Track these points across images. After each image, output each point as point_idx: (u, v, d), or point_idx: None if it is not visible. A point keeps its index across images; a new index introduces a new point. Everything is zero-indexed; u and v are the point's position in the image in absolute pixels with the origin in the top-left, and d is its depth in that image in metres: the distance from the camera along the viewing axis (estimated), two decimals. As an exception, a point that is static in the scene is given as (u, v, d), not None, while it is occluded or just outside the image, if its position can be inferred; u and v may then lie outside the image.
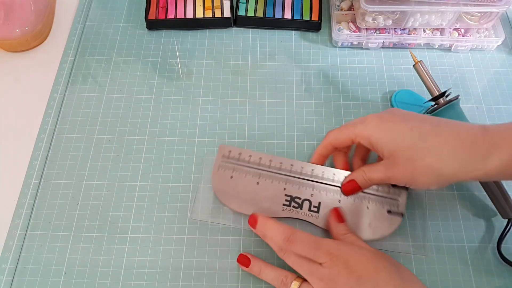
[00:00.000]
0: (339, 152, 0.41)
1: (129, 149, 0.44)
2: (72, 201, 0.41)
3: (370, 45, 0.51)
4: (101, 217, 0.40)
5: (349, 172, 0.40)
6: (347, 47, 0.52)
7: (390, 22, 0.49)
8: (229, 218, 0.40)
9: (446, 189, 0.42)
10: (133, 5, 0.54)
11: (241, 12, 0.52)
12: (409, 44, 0.51)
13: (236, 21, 0.52)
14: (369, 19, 0.49)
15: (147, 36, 0.52)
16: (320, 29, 0.53)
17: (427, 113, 0.43)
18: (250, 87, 0.48)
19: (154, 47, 0.51)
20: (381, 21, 0.49)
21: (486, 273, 0.39)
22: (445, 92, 0.42)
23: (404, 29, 0.50)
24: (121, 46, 0.51)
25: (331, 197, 0.40)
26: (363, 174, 0.38)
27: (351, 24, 0.51)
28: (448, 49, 0.52)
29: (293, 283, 0.34)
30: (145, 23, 0.52)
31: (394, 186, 0.40)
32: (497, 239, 0.39)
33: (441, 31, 0.51)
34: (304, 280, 0.34)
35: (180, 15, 0.52)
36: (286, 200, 0.40)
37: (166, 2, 0.53)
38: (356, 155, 0.41)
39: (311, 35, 0.53)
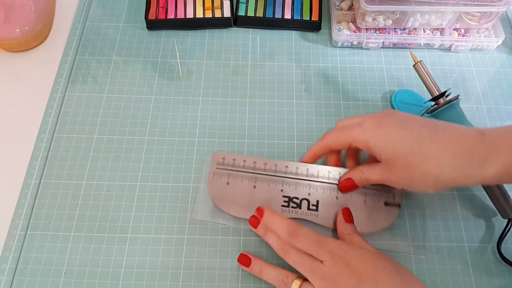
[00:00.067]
0: (333, 151, 0.41)
1: (129, 149, 0.44)
2: (72, 201, 0.41)
3: (370, 45, 0.51)
4: (101, 217, 0.40)
5: (343, 169, 0.41)
6: (347, 47, 0.52)
7: (390, 22, 0.49)
8: (229, 218, 0.40)
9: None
10: (133, 5, 0.54)
11: (241, 12, 0.52)
12: (409, 44, 0.51)
13: (236, 21, 0.52)
14: (369, 19, 0.49)
15: (147, 36, 0.52)
16: (320, 29, 0.53)
17: (427, 113, 0.43)
18: (250, 87, 0.48)
19: (154, 47, 0.51)
20: (381, 21, 0.49)
21: (486, 273, 0.39)
22: (445, 92, 0.42)
23: (404, 29, 0.50)
24: (121, 46, 0.51)
25: (328, 195, 0.40)
26: (360, 174, 0.38)
27: (351, 24, 0.51)
28: (448, 49, 0.52)
29: (293, 283, 0.34)
30: (145, 23, 0.52)
31: None
32: (497, 239, 0.39)
33: (441, 31, 0.51)
34: (305, 280, 0.34)
35: (180, 15, 0.52)
36: (285, 201, 0.40)
37: (166, 2, 0.53)
38: (349, 155, 0.42)
39: (311, 35, 0.53)
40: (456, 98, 0.41)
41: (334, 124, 0.46)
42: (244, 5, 0.53)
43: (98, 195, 0.41)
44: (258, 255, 0.38)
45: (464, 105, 0.45)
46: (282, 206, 0.40)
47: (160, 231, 0.40)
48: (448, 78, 0.50)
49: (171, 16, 0.52)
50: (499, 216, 0.40)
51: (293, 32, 0.53)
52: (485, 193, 0.41)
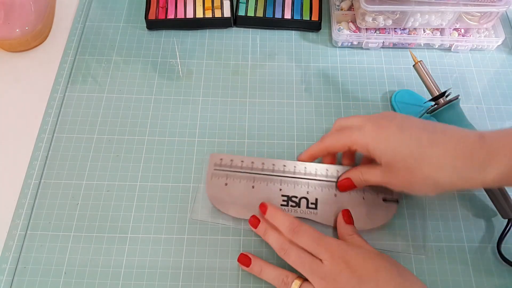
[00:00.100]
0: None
1: (129, 149, 0.44)
2: (72, 201, 0.41)
3: (370, 45, 0.51)
4: (101, 217, 0.40)
5: (341, 166, 0.41)
6: (347, 47, 0.52)
7: (390, 22, 0.49)
8: (229, 218, 0.40)
9: (446, 189, 0.43)
10: (133, 5, 0.54)
11: (241, 12, 0.52)
12: (409, 44, 0.51)
13: (236, 21, 0.52)
14: (369, 19, 0.49)
15: (147, 36, 0.52)
16: (320, 29, 0.53)
17: (427, 113, 0.43)
18: (250, 87, 0.48)
19: (154, 47, 0.51)
20: (381, 21, 0.49)
21: (486, 273, 0.39)
22: (445, 92, 0.42)
23: (404, 29, 0.50)
24: (121, 46, 0.51)
25: (327, 192, 0.40)
26: (359, 174, 0.38)
27: (351, 24, 0.51)
28: (448, 49, 0.52)
29: (294, 283, 0.34)
30: (145, 23, 0.52)
31: None
32: (497, 239, 0.39)
33: (441, 31, 0.51)
34: (305, 280, 0.34)
35: (180, 15, 0.52)
36: (284, 200, 0.40)
37: (166, 2, 0.53)
38: (345, 154, 0.42)
39: (311, 35, 0.53)
40: (456, 98, 0.41)
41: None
42: (244, 5, 0.53)
43: (98, 195, 0.41)
44: (258, 255, 0.38)
45: (464, 105, 0.45)
46: (281, 205, 0.40)
47: (160, 231, 0.40)
48: (448, 78, 0.50)
49: (171, 16, 0.52)
50: (499, 216, 0.40)
51: (293, 32, 0.53)
52: (485, 193, 0.41)
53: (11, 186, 0.42)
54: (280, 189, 0.40)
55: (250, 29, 0.53)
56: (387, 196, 0.40)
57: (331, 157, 0.41)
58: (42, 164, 0.43)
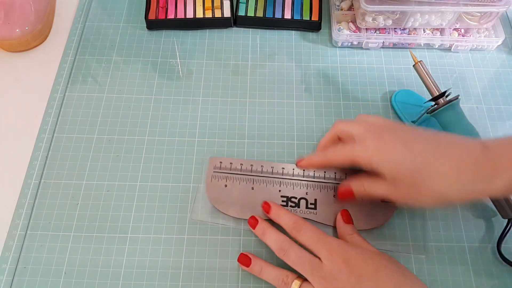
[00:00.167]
0: None
1: (129, 149, 0.44)
2: (72, 201, 0.41)
3: (370, 45, 0.51)
4: (101, 217, 0.40)
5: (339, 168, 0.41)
6: (347, 47, 0.52)
7: (390, 22, 0.49)
8: (229, 219, 0.40)
9: (446, 189, 0.42)
10: (133, 5, 0.54)
11: (241, 12, 0.52)
12: (409, 44, 0.51)
13: (236, 21, 0.52)
14: (369, 19, 0.49)
15: (147, 36, 0.52)
16: (320, 29, 0.53)
17: (428, 113, 0.43)
18: (250, 87, 0.48)
19: (154, 47, 0.51)
20: (381, 21, 0.49)
21: (486, 273, 0.39)
22: (445, 92, 0.42)
23: (404, 29, 0.50)
24: (121, 46, 0.51)
25: (325, 193, 0.41)
26: (361, 187, 0.37)
27: (351, 24, 0.51)
28: (448, 49, 0.52)
29: (294, 283, 0.34)
30: (145, 23, 0.52)
31: None
32: (497, 239, 0.39)
33: (441, 31, 0.51)
34: (305, 280, 0.34)
35: (180, 15, 0.52)
36: (283, 201, 0.40)
37: (166, 2, 0.53)
38: None
39: (311, 35, 0.53)
40: (456, 98, 0.41)
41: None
42: (244, 5, 0.53)
43: (98, 195, 0.41)
44: (258, 255, 0.38)
45: (464, 105, 0.45)
46: (280, 205, 0.40)
47: (160, 231, 0.40)
48: (448, 78, 0.50)
49: (171, 16, 0.52)
50: (499, 216, 0.40)
51: (293, 32, 0.53)
52: (485, 193, 0.41)
53: (11, 186, 0.42)
54: (280, 190, 0.41)
55: (250, 29, 0.53)
56: None
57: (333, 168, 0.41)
58: (42, 164, 0.43)
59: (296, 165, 0.42)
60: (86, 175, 0.42)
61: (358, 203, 0.40)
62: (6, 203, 0.41)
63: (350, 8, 0.52)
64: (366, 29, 0.50)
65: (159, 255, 0.39)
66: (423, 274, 0.38)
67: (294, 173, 0.42)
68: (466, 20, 0.50)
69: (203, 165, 0.43)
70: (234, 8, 0.53)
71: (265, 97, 0.48)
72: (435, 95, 0.42)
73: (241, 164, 0.42)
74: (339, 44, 0.51)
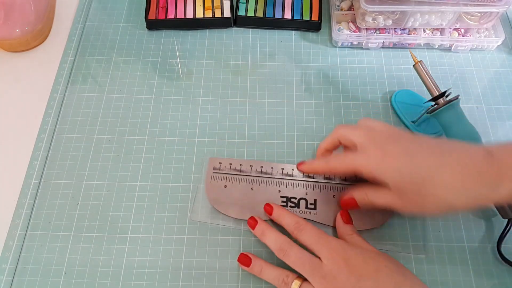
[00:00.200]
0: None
1: (129, 149, 0.44)
2: (72, 201, 0.41)
3: (370, 45, 0.51)
4: (101, 217, 0.40)
5: None
6: (347, 47, 0.52)
7: (390, 22, 0.49)
8: (229, 219, 0.40)
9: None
10: (133, 5, 0.54)
11: (241, 12, 0.52)
12: (409, 44, 0.51)
13: (236, 21, 0.52)
14: (369, 19, 0.49)
15: (147, 36, 0.52)
16: (320, 29, 0.53)
17: (428, 113, 0.43)
18: (250, 87, 0.48)
19: (154, 47, 0.51)
20: (381, 21, 0.49)
21: (486, 273, 0.39)
22: (445, 92, 0.42)
23: (404, 29, 0.50)
24: (121, 46, 0.51)
25: (325, 193, 0.41)
26: (365, 196, 0.37)
27: (351, 24, 0.51)
28: (448, 49, 0.52)
29: (294, 283, 0.34)
30: (145, 23, 0.52)
31: None
32: (497, 239, 0.39)
33: (441, 31, 0.51)
34: (305, 279, 0.34)
35: (180, 15, 0.52)
36: (283, 202, 0.40)
37: (166, 2, 0.53)
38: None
39: (311, 35, 0.53)
40: (456, 98, 0.41)
41: (334, 124, 0.46)
42: (244, 5, 0.53)
43: (98, 195, 0.41)
44: (258, 255, 0.38)
45: (464, 105, 0.45)
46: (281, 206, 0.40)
47: (160, 231, 0.40)
48: (448, 78, 0.50)
49: (171, 16, 0.52)
50: (499, 216, 0.40)
51: (293, 32, 0.53)
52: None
53: (11, 186, 0.42)
54: (279, 191, 0.41)
55: (250, 29, 0.53)
56: None
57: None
58: (42, 164, 0.43)
59: (297, 167, 0.42)
60: (86, 175, 0.42)
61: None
62: (6, 203, 0.41)
63: (350, 8, 0.52)
64: (366, 29, 0.50)
65: (159, 255, 0.39)
66: (423, 274, 0.38)
67: (294, 173, 0.42)
68: (466, 20, 0.50)
69: (203, 165, 0.43)
70: (234, 8, 0.53)
71: (265, 97, 0.48)
72: (435, 95, 0.42)
73: (240, 164, 0.42)
74: (339, 44, 0.51)
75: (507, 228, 0.39)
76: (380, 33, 0.50)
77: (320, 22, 0.52)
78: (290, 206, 0.40)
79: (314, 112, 0.47)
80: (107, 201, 0.41)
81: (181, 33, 0.52)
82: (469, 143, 0.34)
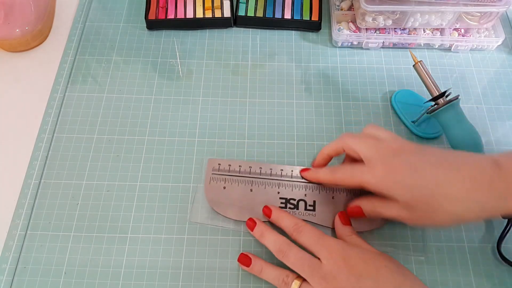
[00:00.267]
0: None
1: (129, 149, 0.44)
2: (72, 201, 0.41)
3: (370, 45, 0.51)
4: (101, 217, 0.40)
5: None
6: (347, 47, 0.52)
7: (390, 22, 0.49)
8: (228, 221, 0.40)
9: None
10: (133, 5, 0.54)
11: (241, 12, 0.52)
12: (409, 44, 0.51)
13: (236, 21, 0.52)
14: (369, 19, 0.49)
15: (147, 36, 0.52)
16: (320, 29, 0.53)
17: (428, 113, 0.43)
18: (250, 87, 0.48)
19: (154, 47, 0.51)
20: (381, 21, 0.49)
21: (486, 273, 0.39)
22: (445, 92, 0.42)
23: (404, 29, 0.50)
24: (121, 46, 0.51)
25: (324, 194, 0.41)
26: (372, 207, 0.37)
27: (351, 24, 0.51)
28: (448, 49, 0.52)
29: (294, 282, 0.34)
30: (145, 23, 0.52)
31: None
32: (497, 239, 0.39)
33: (441, 31, 0.51)
34: (305, 279, 0.34)
35: (180, 15, 0.52)
36: (282, 203, 0.40)
37: (166, 2, 0.53)
38: (347, 159, 0.41)
39: (311, 35, 0.53)
40: (456, 98, 0.41)
41: (334, 124, 0.46)
42: (244, 5, 0.53)
43: (98, 195, 0.41)
44: (258, 255, 0.38)
45: (464, 105, 0.45)
46: (279, 207, 0.40)
47: (160, 231, 0.40)
48: (448, 78, 0.50)
49: (171, 16, 0.52)
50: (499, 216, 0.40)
51: (293, 32, 0.53)
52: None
53: (11, 186, 0.42)
54: (278, 192, 0.41)
55: (250, 29, 0.53)
56: None
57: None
58: (42, 164, 0.43)
59: (301, 173, 0.41)
60: (86, 175, 0.42)
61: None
62: (6, 203, 0.41)
63: (350, 8, 0.52)
64: (366, 29, 0.50)
65: (159, 255, 0.39)
66: (423, 274, 0.38)
67: (293, 174, 0.42)
68: (466, 20, 0.50)
69: (202, 165, 0.43)
70: (234, 8, 0.53)
71: (265, 97, 0.48)
72: (435, 95, 0.42)
73: (239, 165, 0.42)
74: (339, 44, 0.51)
75: (507, 228, 0.39)
76: (380, 33, 0.50)
77: (320, 22, 0.52)
78: (289, 208, 0.40)
79: (314, 112, 0.47)
80: (107, 201, 0.41)
81: (181, 33, 0.52)
82: (477, 154, 0.34)
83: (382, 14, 0.48)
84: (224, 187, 0.41)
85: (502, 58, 0.51)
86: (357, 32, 0.50)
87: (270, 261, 0.37)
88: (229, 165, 0.42)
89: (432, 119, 0.44)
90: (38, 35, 0.50)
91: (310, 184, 0.41)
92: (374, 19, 0.49)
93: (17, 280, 0.37)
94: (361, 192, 0.40)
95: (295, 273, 0.35)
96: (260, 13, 0.52)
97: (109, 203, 0.41)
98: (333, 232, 0.39)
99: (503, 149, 0.45)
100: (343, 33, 0.50)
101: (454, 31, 0.51)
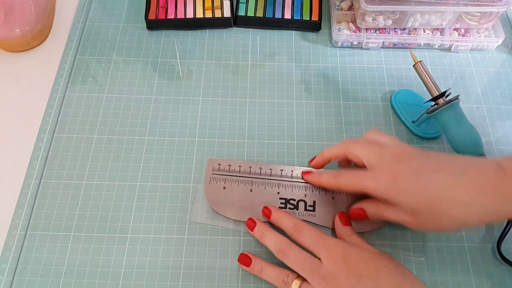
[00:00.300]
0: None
1: (129, 149, 0.44)
2: (72, 201, 0.41)
3: (370, 45, 0.51)
4: (101, 217, 0.40)
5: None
6: (347, 47, 0.52)
7: (390, 22, 0.49)
8: (228, 221, 0.40)
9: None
10: (133, 5, 0.54)
11: (241, 12, 0.52)
12: (409, 44, 0.51)
13: (236, 21, 0.52)
14: (369, 19, 0.49)
15: (147, 36, 0.52)
16: (320, 29, 0.53)
17: (427, 113, 0.43)
18: (250, 87, 0.48)
19: (154, 47, 0.51)
20: (381, 21, 0.49)
21: (486, 273, 0.39)
22: (445, 92, 0.42)
23: (404, 29, 0.50)
24: (121, 46, 0.51)
25: (324, 195, 0.41)
26: (376, 210, 0.36)
27: (351, 24, 0.51)
28: (448, 49, 0.52)
29: (294, 282, 0.34)
30: (145, 23, 0.52)
31: None
32: (497, 239, 0.39)
33: (441, 31, 0.51)
34: (305, 279, 0.34)
35: (180, 15, 0.52)
36: (282, 203, 0.40)
37: (166, 2, 0.53)
38: (342, 162, 0.42)
39: (311, 35, 0.53)
40: (456, 98, 0.41)
41: (334, 124, 0.46)
42: (244, 5, 0.53)
43: (98, 195, 0.41)
44: (258, 255, 0.38)
45: (464, 105, 0.45)
46: (279, 208, 0.40)
47: (160, 231, 0.40)
48: (448, 78, 0.50)
49: (171, 16, 0.52)
50: (499, 216, 0.40)
51: (293, 32, 0.53)
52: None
53: (11, 186, 0.42)
54: (278, 192, 0.41)
55: (250, 29, 0.53)
56: None
57: None
58: (42, 164, 0.43)
59: (303, 176, 0.41)
60: (86, 175, 0.42)
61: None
62: (6, 203, 0.41)
63: (350, 8, 0.52)
64: (366, 29, 0.50)
65: (159, 255, 0.39)
66: (423, 274, 0.38)
67: (293, 175, 0.41)
68: (466, 20, 0.50)
69: (202, 165, 0.43)
70: (234, 8, 0.53)
71: (265, 97, 0.48)
72: (435, 95, 0.42)
73: (239, 166, 0.42)
74: (339, 44, 0.51)
75: (507, 228, 0.39)
76: (380, 33, 0.50)
77: (320, 22, 0.52)
78: (289, 208, 0.40)
79: (314, 112, 0.47)
80: (107, 201, 0.41)
81: (181, 33, 0.52)
82: (480, 158, 0.34)
83: (382, 14, 0.48)
84: (224, 187, 0.41)
85: (502, 58, 0.51)
86: (357, 32, 0.50)
87: (270, 261, 0.37)
88: (229, 165, 0.42)
89: (432, 119, 0.44)
90: (38, 35, 0.50)
91: (310, 185, 0.41)
92: (374, 19, 0.49)
93: (17, 280, 0.37)
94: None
95: (295, 273, 0.35)
96: (260, 13, 0.52)
97: (109, 203, 0.41)
98: (333, 233, 0.39)
99: (503, 149, 0.45)
100: (343, 33, 0.50)
101: (454, 31, 0.51)
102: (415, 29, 0.50)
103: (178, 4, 0.52)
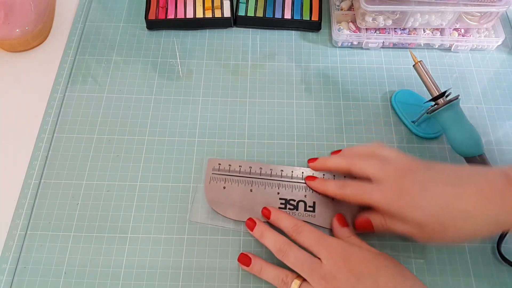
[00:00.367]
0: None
1: (129, 149, 0.44)
2: (72, 201, 0.41)
3: (370, 45, 0.51)
4: (101, 217, 0.40)
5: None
6: (347, 47, 0.52)
7: (390, 22, 0.49)
8: (228, 221, 0.40)
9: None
10: (133, 5, 0.54)
11: (241, 12, 0.52)
12: (409, 44, 0.51)
13: (236, 21, 0.52)
14: (369, 19, 0.49)
15: (147, 36, 0.52)
16: (320, 29, 0.53)
17: (427, 113, 0.43)
18: (250, 87, 0.48)
19: (154, 47, 0.51)
20: (381, 21, 0.49)
21: (486, 273, 0.39)
22: (445, 92, 0.42)
23: (404, 29, 0.50)
24: (121, 46, 0.51)
25: (324, 196, 0.40)
26: (382, 221, 0.36)
27: (351, 24, 0.51)
28: (448, 49, 0.52)
29: (293, 282, 0.34)
30: (145, 23, 0.52)
31: None
32: (497, 239, 0.39)
33: (441, 31, 0.51)
34: (305, 279, 0.34)
35: (180, 15, 0.52)
36: (281, 204, 0.40)
37: (166, 2, 0.53)
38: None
39: (311, 35, 0.53)
40: (456, 98, 0.41)
41: (334, 124, 0.46)
42: (244, 5, 0.53)
43: (98, 195, 0.41)
44: (258, 255, 0.38)
45: (464, 105, 0.45)
46: (279, 208, 0.40)
47: (160, 231, 0.40)
48: (448, 78, 0.50)
49: (171, 16, 0.52)
50: (499, 216, 0.40)
51: (293, 32, 0.53)
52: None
53: (11, 186, 0.42)
54: (278, 193, 0.41)
55: (250, 29, 0.53)
56: None
57: None
58: (42, 164, 0.43)
59: (305, 180, 0.41)
60: (86, 175, 0.42)
61: (357, 206, 0.39)
62: (6, 203, 0.41)
63: (350, 8, 0.52)
64: (366, 29, 0.50)
65: (159, 255, 0.39)
66: (423, 274, 0.38)
67: (293, 175, 0.42)
68: (466, 20, 0.50)
69: (202, 165, 0.43)
70: (234, 8, 0.53)
71: (265, 97, 0.48)
72: (435, 95, 0.42)
73: (239, 166, 0.42)
74: (339, 44, 0.51)
75: (507, 228, 0.39)
76: (380, 33, 0.50)
77: (320, 22, 0.52)
78: (289, 209, 0.40)
79: (314, 112, 0.47)
80: (107, 201, 0.41)
81: (181, 33, 0.52)
82: (486, 167, 0.34)
83: (382, 14, 0.48)
84: (224, 187, 0.41)
85: (502, 58, 0.51)
86: (357, 32, 0.50)
87: (270, 261, 0.37)
88: (229, 165, 0.42)
89: (432, 119, 0.44)
90: (38, 35, 0.50)
91: None
92: (374, 19, 0.49)
93: (17, 280, 0.37)
94: None
95: (295, 273, 0.35)
96: (260, 13, 0.52)
97: (109, 203, 0.41)
98: (332, 233, 0.39)
99: (503, 149, 0.45)
100: (343, 33, 0.50)
101: (454, 31, 0.51)
102: (415, 29, 0.50)
103: (178, 4, 0.52)
